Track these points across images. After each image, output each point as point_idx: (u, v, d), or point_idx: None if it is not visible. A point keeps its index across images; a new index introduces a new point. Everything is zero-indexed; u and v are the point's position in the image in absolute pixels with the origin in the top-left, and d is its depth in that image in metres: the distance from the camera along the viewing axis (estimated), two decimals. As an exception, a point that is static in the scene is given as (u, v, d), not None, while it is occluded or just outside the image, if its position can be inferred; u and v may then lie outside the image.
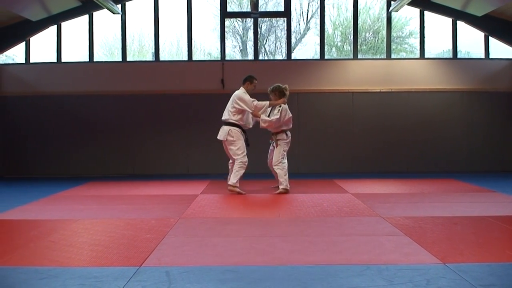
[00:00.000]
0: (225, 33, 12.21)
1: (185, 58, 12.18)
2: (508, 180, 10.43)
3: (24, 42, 11.89)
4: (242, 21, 13.14)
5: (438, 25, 12.21)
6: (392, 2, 11.80)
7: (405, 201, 7.43)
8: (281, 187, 8.48)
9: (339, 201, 7.38)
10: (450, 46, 12.15)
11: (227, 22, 12.67)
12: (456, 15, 11.74)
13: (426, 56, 12.11)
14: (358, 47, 12.19)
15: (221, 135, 8.48)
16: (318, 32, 12.20)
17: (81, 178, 11.04)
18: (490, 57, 12.05)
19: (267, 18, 12.99)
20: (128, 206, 7.20)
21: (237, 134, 8.38)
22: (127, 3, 12.03)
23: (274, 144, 8.59)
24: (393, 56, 12.18)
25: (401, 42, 13.36)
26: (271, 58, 13.14)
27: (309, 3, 13.18)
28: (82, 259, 4.36)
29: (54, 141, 11.85)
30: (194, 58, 12.16)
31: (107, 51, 12.76)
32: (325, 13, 12.23)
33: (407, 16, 12.87)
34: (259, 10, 12.01)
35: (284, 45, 12.67)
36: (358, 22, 12.26)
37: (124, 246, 4.78)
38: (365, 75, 11.92)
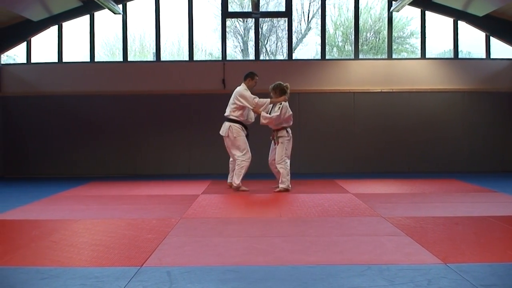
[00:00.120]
0: (226, 33, 12.21)
1: (186, 58, 12.18)
2: (510, 180, 10.42)
3: (25, 42, 11.90)
4: (243, 21, 13.14)
5: (439, 25, 12.21)
6: (393, 2, 11.79)
7: (406, 201, 7.42)
8: (281, 185, 8.56)
9: (340, 201, 7.38)
10: (451, 46, 12.15)
11: (228, 22, 12.67)
12: (457, 15, 11.74)
13: (427, 56, 12.11)
14: (359, 47, 12.19)
15: (222, 131, 8.69)
16: (319, 32, 12.20)
17: (82, 178, 11.05)
18: (491, 57, 12.04)
19: (268, 18, 12.98)
20: (129, 206, 7.20)
21: (237, 131, 8.55)
22: (128, 3, 12.03)
23: (275, 141, 8.64)
24: (394, 56, 12.18)
25: (402, 42, 13.35)
26: (272, 58, 13.14)
27: (310, 3, 13.18)
28: (83, 259, 4.36)
29: (55, 141, 11.86)
30: (195, 58, 12.17)
31: (108, 51, 12.76)
32: (326, 13, 12.23)
33: (408, 16, 12.87)
34: (260, 10, 12.00)
35: (285, 45, 12.67)
36: (359, 22, 12.25)
37: (125, 246, 4.78)
38: (366, 75, 11.92)
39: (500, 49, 12.02)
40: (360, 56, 12.16)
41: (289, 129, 8.65)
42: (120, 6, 11.74)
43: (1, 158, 11.90)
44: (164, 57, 12.35)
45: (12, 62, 12.38)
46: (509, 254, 4.43)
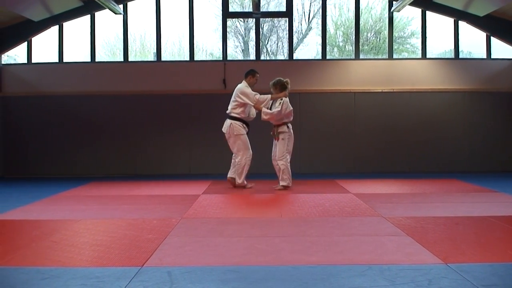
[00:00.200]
0: (227, 33, 12.21)
1: (187, 58, 12.18)
2: (510, 180, 10.41)
3: (26, 42, 11.90)
4: (244, 21, 13.14)
5: (440, 25, 12.21)
6: (394, 2, 11.78)
7: (406, 201, 7.42)
8: (282, 183, 8.69)
9: (340, 201, 7.38)
10: (452, 46, 12.14)
11: (229, 22, 12.67)
12: (458, 15, 11.74)
13: (428, 56, 12.11)
14: (360, 47, 12.19)
15: (224, 128, 8.87)
16: (320, 32, 12.20)
17: (82, 178, 11.05)
18: (492, 57, 12.03)
19: (269, 18, 12.99)
20: (130, 206, 7.20)
21: (238, 129, 8.72)
22: (129, 3, 12.03)
23: (275, 136, 8.75)
24: (395, 56, 12.18)
25: (403, 42, 13.35)
26: (273, 58, 13.15)
27: (311, 3, 13.19)
28: (83, 259, 4.36)
29: (55, 141, 11.86)
30: (196, 58, 12.17)
31: (109, 51, 12.77)
32: (327, 13, 12.22)
33: (409, 16, 12.87)
34: (261, 10, 12.00)
35: (286, 45, 12.67)
36: (360, 22, 12.25)
37: (126, 246, 4.78)
38: (367, 75, 11.92)
39: (501, 49, 12.02)
40: (361, 56, 12.16)
41: (290, 125, 8.77)
42: (121, 6, 11.75)
43: (2, 158, 11.90)
44: (165, 57, 12.36)
45: (12, 62, 12.39)
46: (510, 254, 4.42)
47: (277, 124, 8.71)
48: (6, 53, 12.13)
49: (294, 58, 12.27)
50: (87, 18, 11.98)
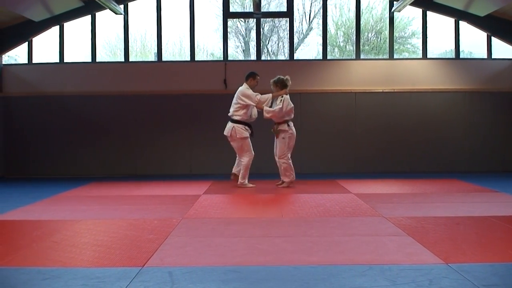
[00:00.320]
0: (228, 33, 12.20)
1: (188, 58, 12.18)
2: (511, 180, 10.40)
3: (26, 43, 11.90)
4: (245, 21, 13.15)
5: (440, 25, 12.21)
6: (395, 2, 11.78)
7: (407, 201, 7.42)
8: (285, 179, 8.96)
9: (341, 201, 7.38)
10: (453, 46, 12.14)
11: (230, 22, 12.67)
12: (459, 15, 11.73)
13: (428, 56, 12.09)
14: (361, 47, 12.18)
15: (226, 131, 9.03)
16: (321, 32, 12.19)
17: (83, 178, 11.05)
18: (493, 57, 12.03)
19: (270, 19, 13.00)
20: (131, 207, 7.20)
21: (240, 131, 8.88)
22: (129, 4, 12.03)
23: (276, 133, 8.93)
24: (395, 56, 12.17)
25: (403, 42, 13.35)
26: (274, 58, 13.16)
27: (311, 4, 13.20)
28: (84, 259, 4.37)
29: (56, 142, 11.86)
30: (196, 58, 12.17)
31: (109, 51, 12.78)
32: (328, 13, 12.22)
33: (410, 16, 12.88)
34: (262, 10, 12.00)
35: (286, 45, 12.67)
36: (361, 22, 12.24)
37: (127, 247, 4.78)
38: (367, 75, 11.91)
39: (502, 49, 12.01)
40: (362, 56, 12.15)
41: (291, 123, 8.92)
42: (122, 6, 11.76)
43: (3, 158, 11.91)
44: (166, 57, 12.36)
45: (13, 62, 12.39)
46: (511, 254, 4.42)
47: (277, 122, 8.87)
48: (7, 53, 12.14)
49: (295, 58, 12.27)
50: (87, 18, 11.98)
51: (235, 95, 9.01)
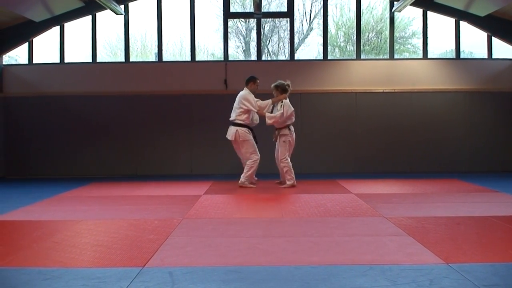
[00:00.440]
0: (228, 34, 12.21)
1: (188, 58, 12.18)
2: (511, 180, 10.43)
3: (27, 43, 11.91)
4: (245, 21, 13.15)
5: (441, 25, 12.21)
6: (395, 3, 11.79)
7: (408, 201, 7.42)
8: (288, 182, 9.08)
9: (342, 201, 7.38)
10: (453, 46, 12.14)
11: (230, 22, 12.67)
12: (459, 15, 11.73)
13: (429, 56, 12.10)
14: (361, 47, 12.18)
15: (229, 135, 9.11)
16: (321, 33, 12.20)
17: (84, 178, 11.06)
18: (493, 57, 12.03)
19: (270, 19, 13.00)
20: (131, 207, 7.20)
21: (244, 134, 8.98)
22: (130, 4, 12.04)
23: (278, 141, 9.13)
24: (396, 56, 12.17)
25: (404, 42, 13.35)
26: (274, 58, 13.16)
27: (312, 4, 13.20)
28: (85, 259, 4.37)
29: (57, 142, 11.86)
30: (197, 58, 12.17)
31: (110, 51, 12.78)
32: (328, 14, 12.21)
33: (410, 16, 12.88)
34: (262, 10, 11.99)
35: (287, 46, 12.67)
36: (361, 23, 12.23)
37: (127, 247, 4.78)
38: (368, 76, 11.91)
39: (502, 49, 12.01)
40: (362, 56, 12.15)
41: (291, 127, 9.10)
42: (122, 6, 11.76)
43: (3, 158, 11.91)
44: (166, 57, 12.36)
45: (14, 62, 12.40)
46: (511, 254, 4.42)
47: (279, 127, 9.06)
48: (8, 54, 12.15)
49: (296, 58, 12.27)
50: (88, 18, 11.98)
51: (237, 100, 9.11)
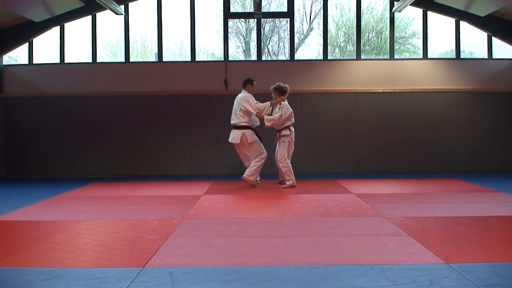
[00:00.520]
0: (228, 34, 12.20)
1: (188, 58, 12.18)
2: (511, 180, 10.43)
3: (27, 43, 11.91)
4: (245, 21, 13.15)
5: (441, 25, 12.20)
6: (395, 3, 11.79)
7: (408, 201, 7.42)
8: (288, 183, 9.12)
9: (342, 202, 7.38)
10: (453, 46, 12.13)
11: (230, 22, 12.67)
12: (459, 15, 11.73)
13: (429, 56, 12.09)
14: (361, 47, 12.17)
15: (234, 139, 9.14)
16: (321, 33, 12.20)
17: (84, 179, 11.06)
18: (493, 57, 12.03)
19: (270, 19, 13.00)
20: (131, 207, 7.20)
21: (251, 136, 9.09)
22: (130, 4, 12.04)
23: (278, 141, 9.21)
24: (396, 56, 12.16)
25: (404, 42, 13.35)
26: (274, 58, 13.16)
27: (312, 4, 13.20)
28: (85, 260, 4.37)
29: (57, 142, 11.86)
30: (197, 58, 12.17)
31: (110, 52, 12.78)
32: (328, 14, 12.21)
33: (410, 16, 12.89)
34: (262, 10, 11.99)
35: (287, 46, 12.67)
36: (361, 23, 12.23)
37: (128, 247, 4.78)
38: (368, 76, 11.91)
39: (502, 49, 12.01)
40: (362, 57, 12.14)
41: (292, 128, 9.19)
42: (122, 6, 11.76)
43: (3, 159, 11.91)
44: (166, 57, 12.36)
45: (14, 63, 12.40)
46: (511, 254, 4.43)
47: (279, 129, 9.14)
48: (8, 54, 12.15)
49: (296, 58, 12.26)
50: (88, 18, 11.98)
51: (237, 103, 9.18)
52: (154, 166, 11.87)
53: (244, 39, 13.35)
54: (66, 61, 12.03)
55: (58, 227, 5.70)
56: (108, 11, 11.34)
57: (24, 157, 11.91)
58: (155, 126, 11.87)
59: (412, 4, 11.35)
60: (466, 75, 11.89)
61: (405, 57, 12.62)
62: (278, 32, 13.33)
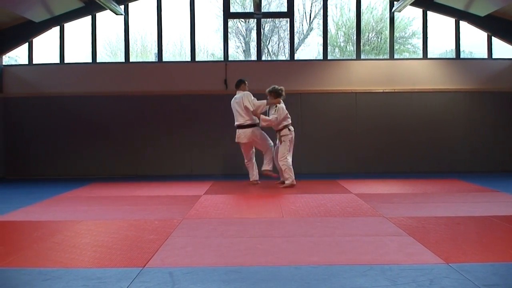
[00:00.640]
0: (228, 34, 12.20)
1: (188, 58, 12.18)
2: (511, 180, 10.43)
3: (27, 43, 11.90)
4: (245, 21, 13.15)
5: (441, 25, 12.21)
6: (395, 3, 11.79)
7: (408, 201, 7.42)
8: (286, 182, 9.17)
9: (342, 202, 7.38)
10: (453, 46, 12.13)
11: (230, 22, 12.66)
12: (459, 15, 11.73)
13: (429, 56, 12.09)
14: (361, 47, 12.17)
15: (243, 138, 9.29)
16: (321, 33, 12.20)
17: (84, 179, 11.06)
18: (493, 57, 12.03)
19: (270, 19, 13.00)
20: (131, 207, 7.20)
21: (260, 132, 9.33)
22: (130, 4, 12.04)
23: (280, 141, 9.27)
24: (396, 56, 12.16)
25: (404, 42, 13.35)
26: (274, 58, 13.16)
27: (312, 4, 13.20)
28: (85, 260, 4.37)
29: (57, 142, 11.86)
30: (197, 58, 12.17)
31: (110, 52, 12.78)
32: (328, 14, 12.21)
33: (410, 16, 12.89)
34: (262, 10, 11.99)
35: (287, 46, 12.67)
36: (361, 23, 12.22)
37: (128, 247, 4.78)
38: (368, 76, 11.91)
39: (502, 49, 12.01)
40: (362, 57, 12.14)
41: (291, 128, 9.24)
42: (122, 7, 11.76)
43: (3, 159, 11.91)
44: (166, 57, 12.36)
45: (14, 63, 12.40)
46: (511, 254, 4.43)
47: (277, 130, 9.21)
48: (7, 54, 12.15)
49: (296, 58, 12.26)
50: (88, 19, 11.98)
51: (238, 103, 9.27)
52: (154, 166, 11.87)
53: (244, 39, 13.36)
54: (66, 61, 12.03)
55: (58, 227, 5.70)
56: (108, 11, 11.34)
57: (24, 157, 11.91)
58: (155, 126, 11.87)
59: (412, 4, 11.35)
60: (466, 75, 11.89)
61: (405, 57, 12.62)
62: (278, 32, 13.33)
